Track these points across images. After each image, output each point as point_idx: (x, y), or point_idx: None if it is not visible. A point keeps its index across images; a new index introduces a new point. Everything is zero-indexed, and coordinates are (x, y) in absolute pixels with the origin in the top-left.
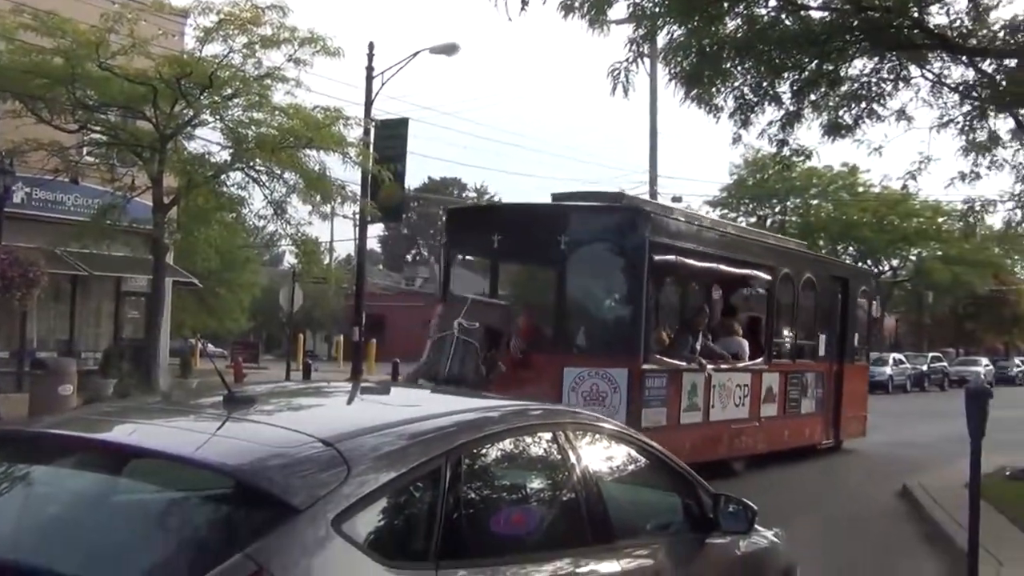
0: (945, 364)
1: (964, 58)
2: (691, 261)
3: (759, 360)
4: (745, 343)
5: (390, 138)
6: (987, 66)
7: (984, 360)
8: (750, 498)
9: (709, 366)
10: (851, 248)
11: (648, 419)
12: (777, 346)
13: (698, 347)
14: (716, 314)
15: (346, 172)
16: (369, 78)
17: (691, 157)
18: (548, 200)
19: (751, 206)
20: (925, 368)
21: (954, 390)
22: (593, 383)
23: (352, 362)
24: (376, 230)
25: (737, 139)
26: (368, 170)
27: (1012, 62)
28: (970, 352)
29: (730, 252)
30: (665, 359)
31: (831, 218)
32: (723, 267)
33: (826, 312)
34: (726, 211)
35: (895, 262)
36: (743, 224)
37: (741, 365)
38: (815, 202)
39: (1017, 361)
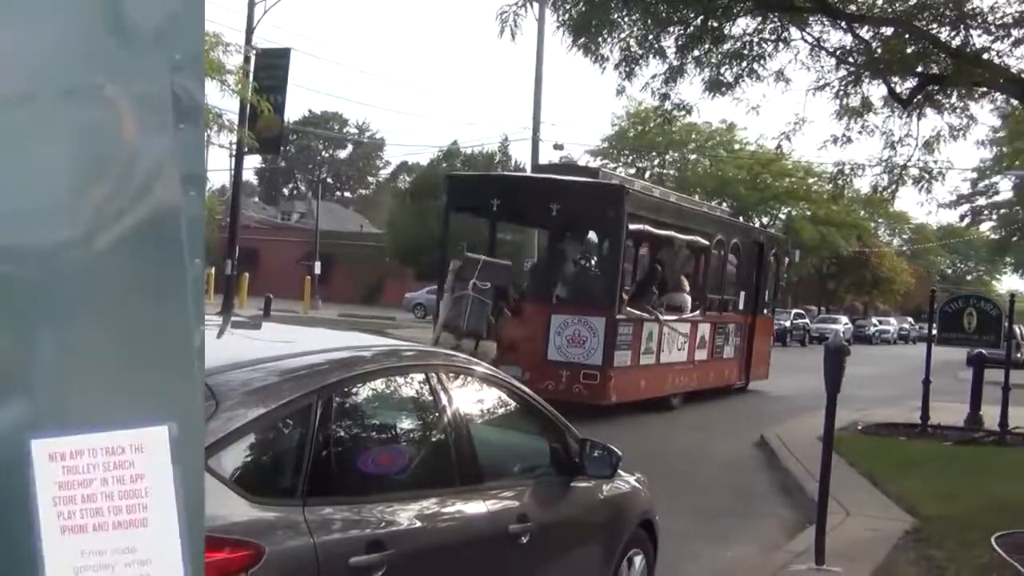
0: (807, 321)
1: (843, 23)
2: (653, 229)
3: (696, 312)
4: (689, 298)
5: (271, 68)
6: (864, 32)
7: (844, 319)
8: (618, 444)
9: (662, 317)
10: (725, 204)
11: (617, 360)
12: (709, 300)
13: (654, 300)
14: (669, 272)
15: (223, 100)
16: (251, 4)
17: (575, 106)
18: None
19: (631, 158)
20: (788, 324)
21: (814, 346)
22: (575, 329)
23: (223, 295)
24: (253, 162)
25: (621, 91)
26: (247, 99)
27: (888, 30)
28: (831, 310)
29: (681, 221)
30: (632, 310)
31: (708, 173)
32: (675, 233)
33: (746, 272)
34: (607, 161)
35: (766, 220)
36: (622, 174)
37: (684, 317)
38: (693, 157)
39: (875, 320)
